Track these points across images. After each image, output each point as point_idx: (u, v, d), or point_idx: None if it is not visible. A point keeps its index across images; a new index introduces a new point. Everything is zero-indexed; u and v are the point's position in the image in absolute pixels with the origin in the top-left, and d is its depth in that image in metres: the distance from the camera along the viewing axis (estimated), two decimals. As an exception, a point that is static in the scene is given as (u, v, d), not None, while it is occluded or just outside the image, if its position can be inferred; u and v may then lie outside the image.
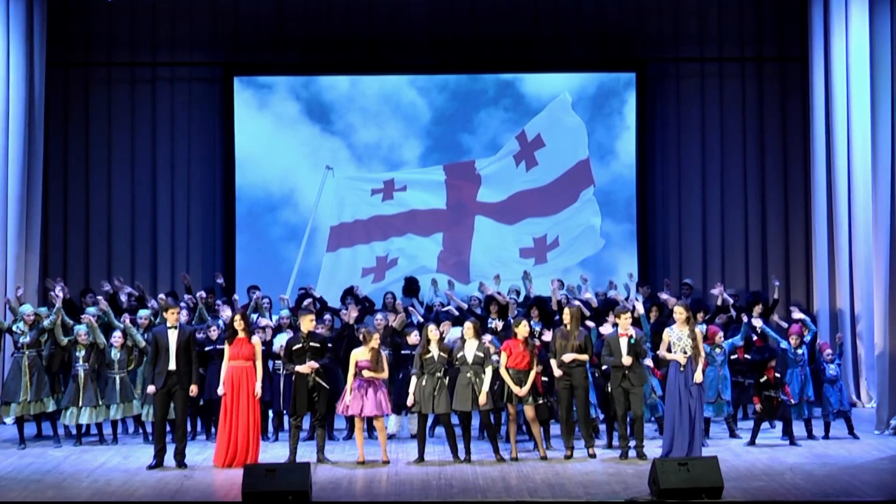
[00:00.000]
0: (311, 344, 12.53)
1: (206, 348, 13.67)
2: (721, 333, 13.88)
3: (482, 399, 12.50)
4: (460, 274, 17.70)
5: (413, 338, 13.73)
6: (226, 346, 12.58)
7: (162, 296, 15.36)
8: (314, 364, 12.45)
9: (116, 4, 17.52)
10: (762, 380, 13.36)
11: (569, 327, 12.74)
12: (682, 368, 12.18)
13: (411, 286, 16.26)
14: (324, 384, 12.51)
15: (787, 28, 18.15)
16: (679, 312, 12.42)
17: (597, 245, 18.01)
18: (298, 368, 12.45)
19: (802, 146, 17.84)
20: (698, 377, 12.18)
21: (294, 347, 12.56)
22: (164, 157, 18.10)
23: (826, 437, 13.66)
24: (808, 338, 14.03)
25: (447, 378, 12.62)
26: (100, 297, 14.68)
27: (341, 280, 17.12)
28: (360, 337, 12.87)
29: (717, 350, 13.68)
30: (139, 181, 18.08)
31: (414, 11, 18.05)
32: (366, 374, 12.53)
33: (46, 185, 16.96)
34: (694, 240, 18.27)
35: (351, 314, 14.19)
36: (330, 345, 13.84)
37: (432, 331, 12.66)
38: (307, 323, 12.58)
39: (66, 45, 17.77)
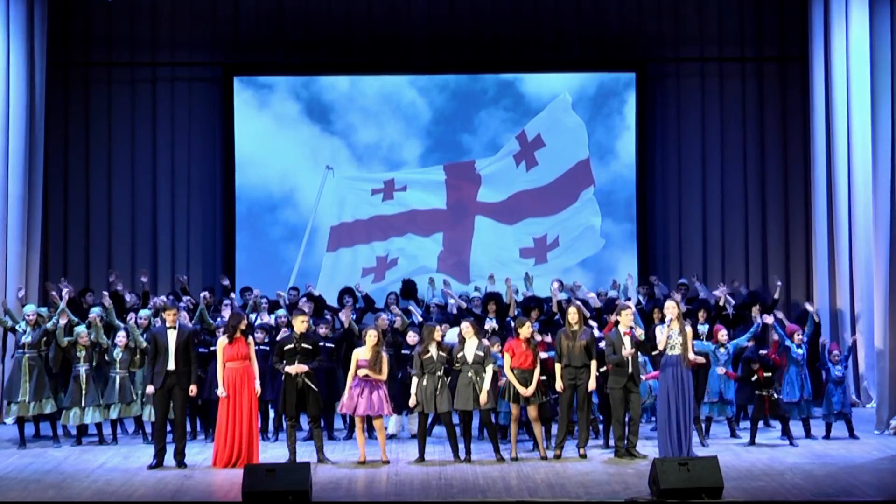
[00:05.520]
0: (303, 345, 12.49)
1: (210, 349, 13.63)
2: (725, 332, 13.80)
3: (483, 398, 12.49)
4: (460, 274, 17.70)
5: (412, 338, 13.73)
6: (219, 347, 12.50)
7: (162, 297, 15.32)
8: (302, 367, 12.41)
9: (116, 4, 17.52)
10: (752, 378, 13.33)
11: (574, 327, 12.72)
12: (685, 364, 12.15)
13: (409, 288, 16.25)
14: (313, 386, 12.47)
15: (787, 28, 18.14)
16: (668, 308, 12.37)
17: (597, 245, 18.00)
18: (287, 369, 12.44)
19: (802, 146, 17.83)
20: (688, 361, 12.16)
21: (285, 348, 12.53)
22: (164, 157, 18.10)
23: (826, 437, 13.66)
24: (804, 337, 14.00)
25: (448, 377, 12.62)
26: (105, 293, 14.63)
27: (341, 280, 17.09)
28: (363, 337, 12.84)
29: (722, 350, 13.63)
30: (139, 181, 18.08)
31: (413, 11, 18.06)
32: (360, 373, 12.51)
33: (46, 184, 16.93)
34: (694, 240, 18.26)
35: (346, 314, 14.17)
36: (332, 345, 13.86)
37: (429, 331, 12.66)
38: (299, 324, 12.55)
39: (66, 45, 17.76)
